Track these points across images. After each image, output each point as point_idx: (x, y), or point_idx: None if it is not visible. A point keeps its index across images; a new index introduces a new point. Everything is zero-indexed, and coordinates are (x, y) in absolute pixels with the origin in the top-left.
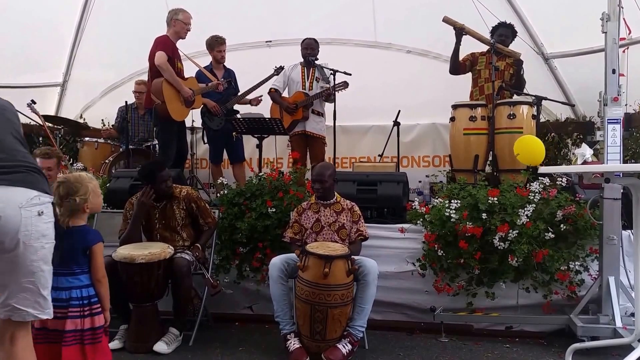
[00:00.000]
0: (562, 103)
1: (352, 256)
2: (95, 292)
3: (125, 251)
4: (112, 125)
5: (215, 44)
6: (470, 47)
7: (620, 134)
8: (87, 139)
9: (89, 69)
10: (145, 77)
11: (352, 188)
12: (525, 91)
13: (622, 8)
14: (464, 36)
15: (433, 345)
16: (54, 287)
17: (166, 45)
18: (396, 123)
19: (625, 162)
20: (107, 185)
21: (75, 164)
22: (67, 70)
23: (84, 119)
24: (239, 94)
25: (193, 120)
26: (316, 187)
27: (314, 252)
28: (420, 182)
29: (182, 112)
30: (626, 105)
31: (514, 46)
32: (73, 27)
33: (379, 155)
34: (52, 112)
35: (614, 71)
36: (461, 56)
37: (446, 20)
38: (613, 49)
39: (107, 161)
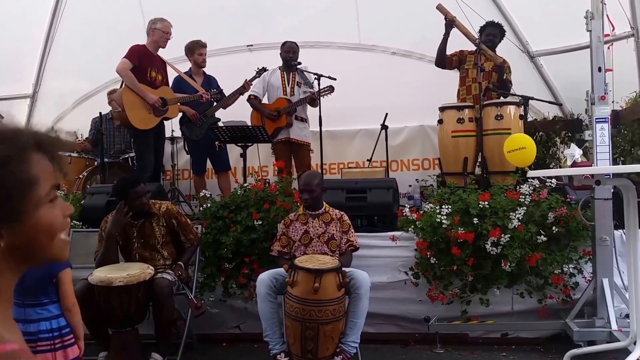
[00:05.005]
0: (549, 102)
1: (343, 268)
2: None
3: (102, 274)
4: (86, 138)
5: (196, 47)
6: (460, 45)
7: (608, 133)
8: (59, 153)
9: (60, 78)
10: (118, 86)
11: (341, 196)
12: (512, 91)
13: (605, 4)
14: (453, 29)
15: (428, 357)
16: (22, 319)
17: (133, 53)
18: (384, 126)
19: (614, 159)
20: (82, 202)
21: None
22: (37, 81)
23: (56, 132)
24: (220, 101)
25: (173, 130)
26: (304, 197)
27: (303, 266)
28: (410, 186)
29: (147, 120)
30: (613, 102)
31: (500, 44)
32: (42, 35)
33: (367, 160)
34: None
35: (600, 69)
36: (449, 51)
37: (439, 8)
38: (598, 47)
39: (81, 176)
